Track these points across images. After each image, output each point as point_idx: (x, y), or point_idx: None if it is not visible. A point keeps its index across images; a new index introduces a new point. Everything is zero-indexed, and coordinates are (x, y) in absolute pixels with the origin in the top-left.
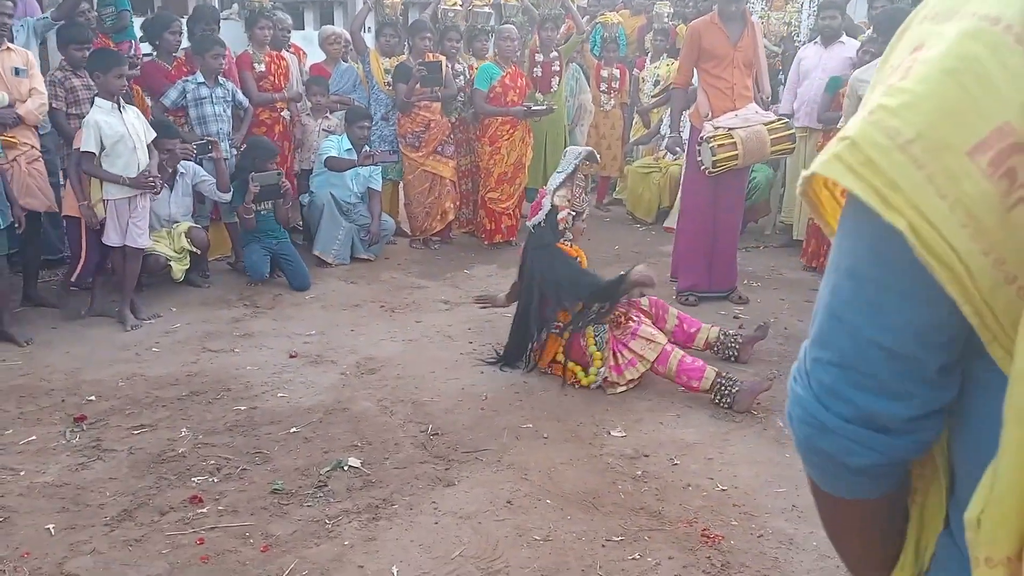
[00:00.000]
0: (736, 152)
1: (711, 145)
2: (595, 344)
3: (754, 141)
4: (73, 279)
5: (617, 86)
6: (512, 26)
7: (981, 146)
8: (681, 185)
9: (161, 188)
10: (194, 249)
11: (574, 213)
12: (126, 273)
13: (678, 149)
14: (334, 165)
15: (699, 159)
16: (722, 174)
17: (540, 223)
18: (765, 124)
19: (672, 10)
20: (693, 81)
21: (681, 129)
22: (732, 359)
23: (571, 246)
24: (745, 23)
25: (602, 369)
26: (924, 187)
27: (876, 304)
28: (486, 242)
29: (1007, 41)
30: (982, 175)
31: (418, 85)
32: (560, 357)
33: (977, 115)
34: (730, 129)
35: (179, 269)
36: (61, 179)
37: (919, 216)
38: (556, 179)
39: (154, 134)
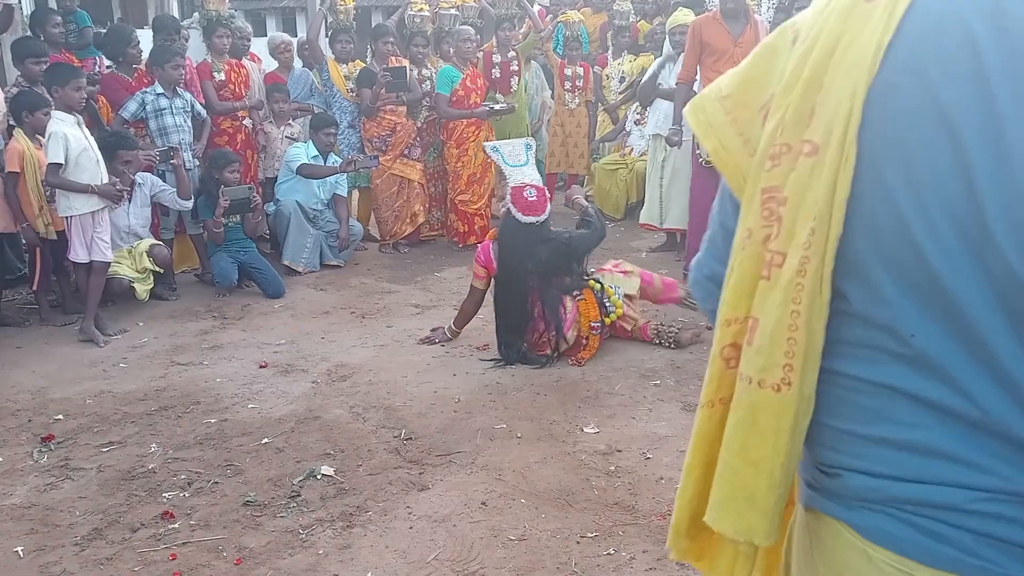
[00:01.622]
0: None
1: None
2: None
3: None
4: (35, 287)
5: (581, 84)
6: (470, 27)
7: (763, 105)
8: (690, 184)
9: (129, 198)
10: (157, 268)
11: None
12: (91, 289)
13: (675, 139)
14: (310, 173)
15: (698, 151)
16: None
17: (549, 214)
18: None
19: (631, 7)
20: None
21: (683, 124)
22: (670, 347)
23: None
24: (748, 20)
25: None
26: (727, 125)
27: (721, 197)
28: (459, 244)
29: (790, 39)
30: (759, 122)
31: (383, 91)
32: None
33: (764, 86)
34: None
35: (143, 290)
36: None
37: (719, 142)
38: (535, 172)
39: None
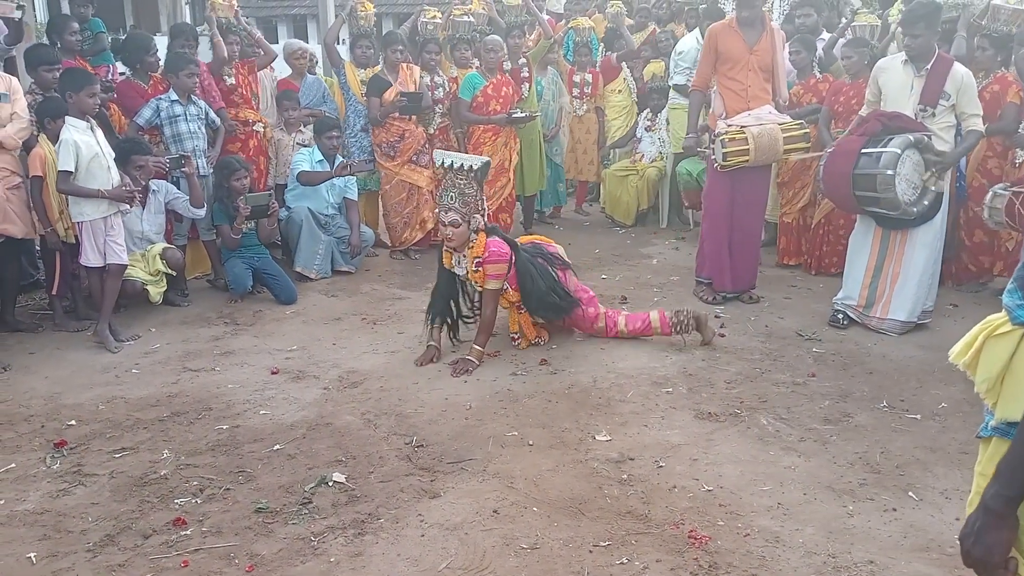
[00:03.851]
0: (747, 147)
1: (722, 138)
2: None
3: (766, 138)
4: (55, 291)
5: (590, 91)
6: (497, 37)
7: None
8: (703, 190)
9: (140, 200)
10: (170, 271)
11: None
12: (106, 292)
13: (691, 147)
14: (308, 179)
15: (712, 157)
16: (740, 174)
17: None
18: (779, 124)
19: (623, 8)
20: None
21: (700, 132)
22: (690, 331)
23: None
24: (764, 28)
25: None
26: None
27: None
28: None
29: None
30: None
31: (397, 112)
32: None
33: None
34: (743, 127)
35: (156, 292)
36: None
37: None
38: None
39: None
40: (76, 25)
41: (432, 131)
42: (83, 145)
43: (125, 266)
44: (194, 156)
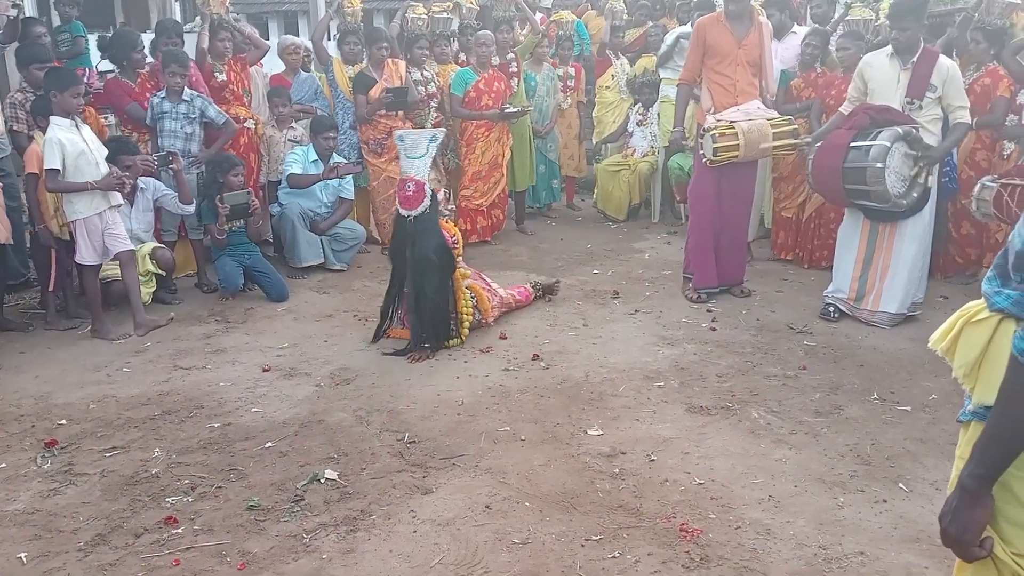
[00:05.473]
0: (737, 143)
1: (712, 133)
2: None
3: (756, 134)
4: (51, 288)
5: (572, 84)
6: (488, 32)
7: None
8: (690, 185)
9: (128, 198)
10: (159, 271)
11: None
12: (128, 284)
13: (683, 142)
14: (297, 182)
15: (701, 152)
16: (726, 168)
17: (426, 209)
18: (768, 119)
19: (624, 7)
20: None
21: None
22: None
23: (447, 220)
24: (752, 22)
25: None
26: None
27: None
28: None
29: None
30: None
31: (384, 109)
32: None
33: None
34: (732, 122)
35: (145, 293)
36: (24, 201)
37: None
38: (424, 166)
39: (106, 151)
40: (42, 29)
41: (428, 126)
42: (68, 143)
43: (134, 251)
44: (176, 154)
